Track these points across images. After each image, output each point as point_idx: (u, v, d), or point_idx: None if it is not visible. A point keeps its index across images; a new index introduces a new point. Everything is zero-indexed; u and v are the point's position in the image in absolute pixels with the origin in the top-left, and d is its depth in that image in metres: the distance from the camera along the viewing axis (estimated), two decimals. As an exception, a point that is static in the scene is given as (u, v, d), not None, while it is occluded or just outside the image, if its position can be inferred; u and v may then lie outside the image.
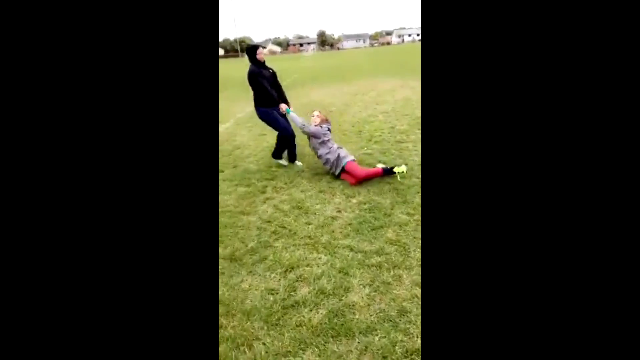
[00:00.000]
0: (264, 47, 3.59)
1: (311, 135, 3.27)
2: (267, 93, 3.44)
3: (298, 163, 3.73)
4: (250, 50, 3.47)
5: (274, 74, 3.61)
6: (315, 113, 3.44)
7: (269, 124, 3.63)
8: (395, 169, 3.10)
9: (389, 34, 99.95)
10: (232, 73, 20.95)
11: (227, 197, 3.05)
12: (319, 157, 3.28)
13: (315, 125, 3.33)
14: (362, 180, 3.04)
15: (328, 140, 3.26)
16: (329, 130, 3.34)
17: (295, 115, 3.41)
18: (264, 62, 3.52)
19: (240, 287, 1.84)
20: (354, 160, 3.16)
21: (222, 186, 3.29)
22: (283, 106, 3.53)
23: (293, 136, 3.60)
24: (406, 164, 3.27)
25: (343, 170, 3.14)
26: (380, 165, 3.31)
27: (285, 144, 3.65)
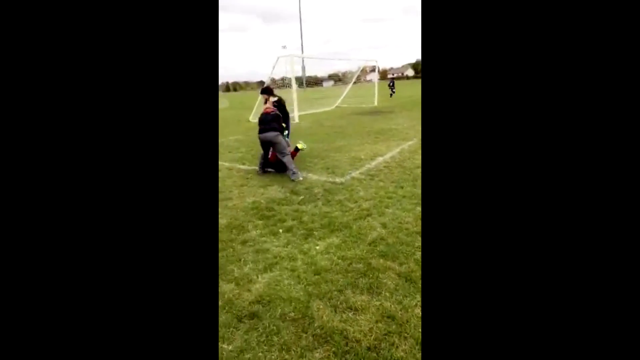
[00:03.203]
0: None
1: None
2: None
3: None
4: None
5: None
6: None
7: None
8: (299, 146, 4.74)
9: None
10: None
11: (406, 214, 3.03)
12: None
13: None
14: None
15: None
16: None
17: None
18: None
19: (414, 312, 1.76)
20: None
21: (405, 203, 3.30)
22: None
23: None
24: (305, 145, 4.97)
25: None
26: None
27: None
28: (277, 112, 4.53)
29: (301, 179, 4.20)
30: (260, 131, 4.37)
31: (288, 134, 5.14)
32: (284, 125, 4.62)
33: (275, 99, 4.89)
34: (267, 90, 5.05)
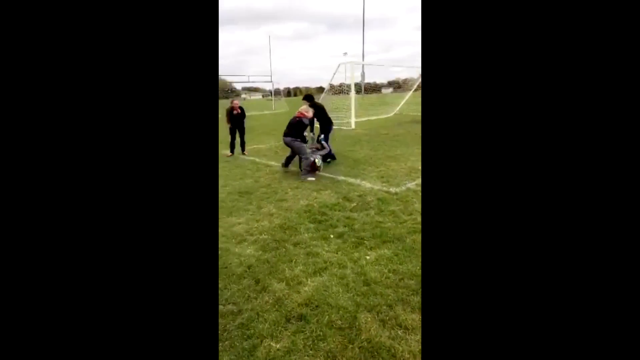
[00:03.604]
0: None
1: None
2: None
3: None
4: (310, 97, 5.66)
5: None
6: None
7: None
8: (317, 161, 4.82)
9: None
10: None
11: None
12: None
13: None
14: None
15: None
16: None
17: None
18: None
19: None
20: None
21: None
22: None
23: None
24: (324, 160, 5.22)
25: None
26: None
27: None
28: (304, 120, 4.91)
29: (310, 179, 4.57)
30: (284, 134, 4.94)
31: (327, 139, 5.41)
32: (306, 134, 5.06)
33: (310, 104, 5.31)
34: (307, 97, 5.60)
